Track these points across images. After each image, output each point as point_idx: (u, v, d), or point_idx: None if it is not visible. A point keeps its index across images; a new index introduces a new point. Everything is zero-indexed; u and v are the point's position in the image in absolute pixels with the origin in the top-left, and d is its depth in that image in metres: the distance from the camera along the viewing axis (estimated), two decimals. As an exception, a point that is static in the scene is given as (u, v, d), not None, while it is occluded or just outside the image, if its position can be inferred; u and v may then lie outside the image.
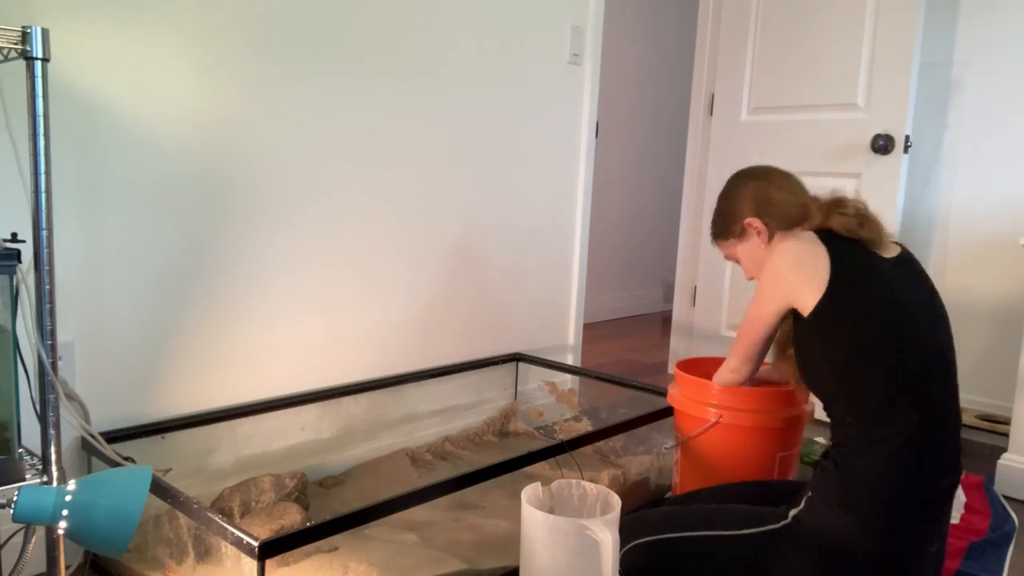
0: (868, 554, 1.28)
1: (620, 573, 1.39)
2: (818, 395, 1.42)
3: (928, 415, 1.28)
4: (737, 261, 1.63)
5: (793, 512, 1.35)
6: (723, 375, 1.66)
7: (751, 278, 1.60)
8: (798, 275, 1.36)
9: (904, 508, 1.28)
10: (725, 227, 1.60)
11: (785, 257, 1.39)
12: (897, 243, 1.46)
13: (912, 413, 1.28)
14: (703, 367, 1.85)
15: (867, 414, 1.30)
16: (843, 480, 1.31)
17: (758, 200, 1.54)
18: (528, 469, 1.67)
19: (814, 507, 1.33)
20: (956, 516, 1.98)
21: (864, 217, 1.40)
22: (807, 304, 1.35)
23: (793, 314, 1.42)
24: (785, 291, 1.39)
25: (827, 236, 1.38)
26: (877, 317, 1.31)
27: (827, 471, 1.34)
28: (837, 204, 1.43)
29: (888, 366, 1.29)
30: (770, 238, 1.53)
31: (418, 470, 2.04)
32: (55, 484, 1.18)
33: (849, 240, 1.37)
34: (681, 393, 1.78)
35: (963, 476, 2.22)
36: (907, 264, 1.42)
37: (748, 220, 1.54)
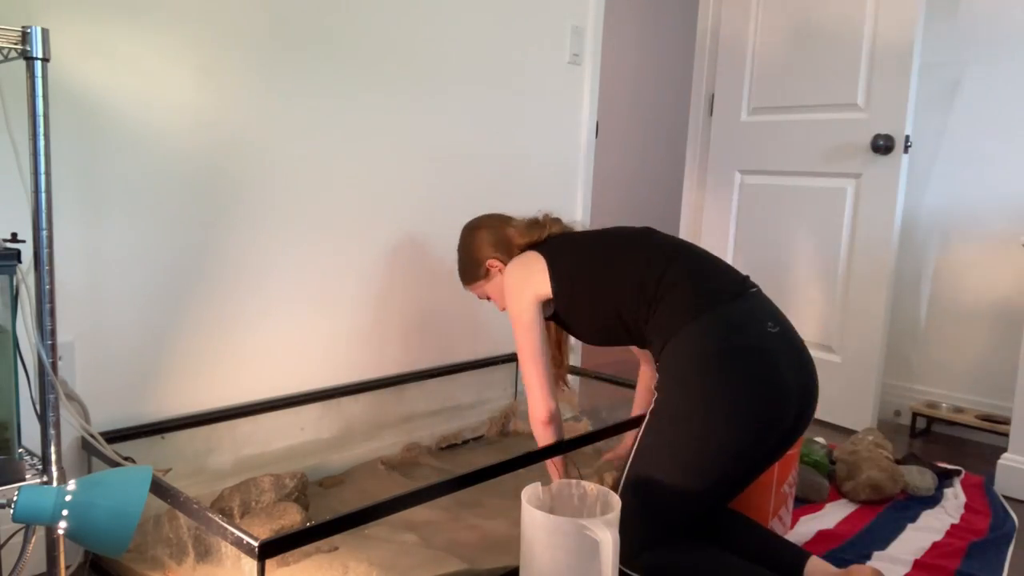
0: (715, 351, 1.42)
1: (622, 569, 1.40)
2: (604, 343, 1.64)
3: (672, 283, 1.50)
4: (488, 298, 1.83)
5: None
6: (537, 413, 1.64)
7: (503, 309, 1.76)
8: (530, 275, 1.62)
9: (707, 308, 1.46)
10: (473, 273, 1.81)
11: (512, 272, 1.66)
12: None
13: (663, 290, 1.50)
14: None
15: (655, 328, 1.50)
16: (669, 365, 1.46)
17: (493, 243, 1.77)
18: (525, 470, 1.67)
19: (663, 394, 1.47)
20: (956, 516, 1.98)
21: (532, 223, 1.75)
22: (547, 290, 1.60)
23: (547, 315, 1.65)
24: (531, 289, 1.62)
25: (536, 246, 1.69)
26: (591, 271, 1.59)
27: (660, 381, 1.50)
28: (506, 228, 1.77)
29: (639, 293, 1.52)
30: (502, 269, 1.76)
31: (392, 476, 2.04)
32: (55, 484, 1.18)
33: (547, 239, 1.70)
34: None
35: (962, 476, 2.23)
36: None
37: (489, 262, 1.76)
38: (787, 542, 1.52)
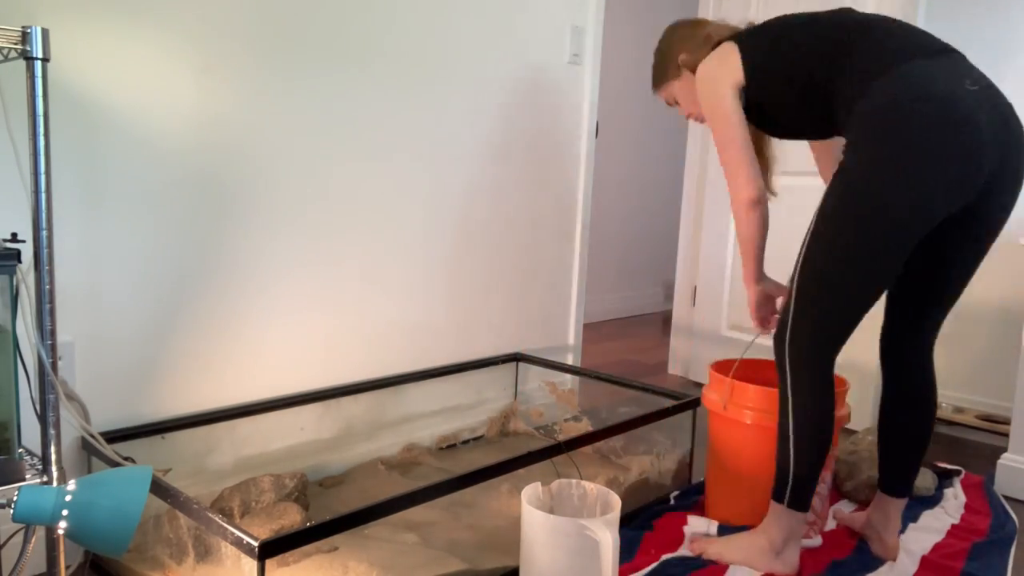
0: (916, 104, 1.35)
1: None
2: (795, 134, 1.63)
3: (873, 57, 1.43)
4: (676, 103, 1.78)
5: None
6: (742, 194, 1.57)
7: (689, 115, 1.77)
8: (723, 61, 1.58)
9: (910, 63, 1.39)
10: (663, 72, 1.76)
11: (706, 65, 1.60)
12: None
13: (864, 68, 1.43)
14: (740, 369, 1.86)
15: (838, 79, 1.46)
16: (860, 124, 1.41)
17: (689, 38, 1.71)
18: (525, 470, 1.67)
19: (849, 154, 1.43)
20: (956, 516, 1.98)
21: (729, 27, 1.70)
22: (741, 77, 1.56)
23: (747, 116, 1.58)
24: (727, 76, 1.57)
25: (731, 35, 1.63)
26: (798, 40, 1.54)
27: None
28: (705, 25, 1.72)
29: (820, 48, 1.49)
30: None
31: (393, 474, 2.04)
32: (55, 484, 1.18)
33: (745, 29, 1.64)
34: (716, 394, 1.79)
35: (962, 476, 2.23)
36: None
37: (681, 57, 1.70)
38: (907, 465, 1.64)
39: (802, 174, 2.86)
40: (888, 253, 1.39)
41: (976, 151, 1.35)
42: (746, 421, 1.73)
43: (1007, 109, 1.41)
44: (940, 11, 2.71)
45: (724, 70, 1.57)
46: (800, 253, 1.48)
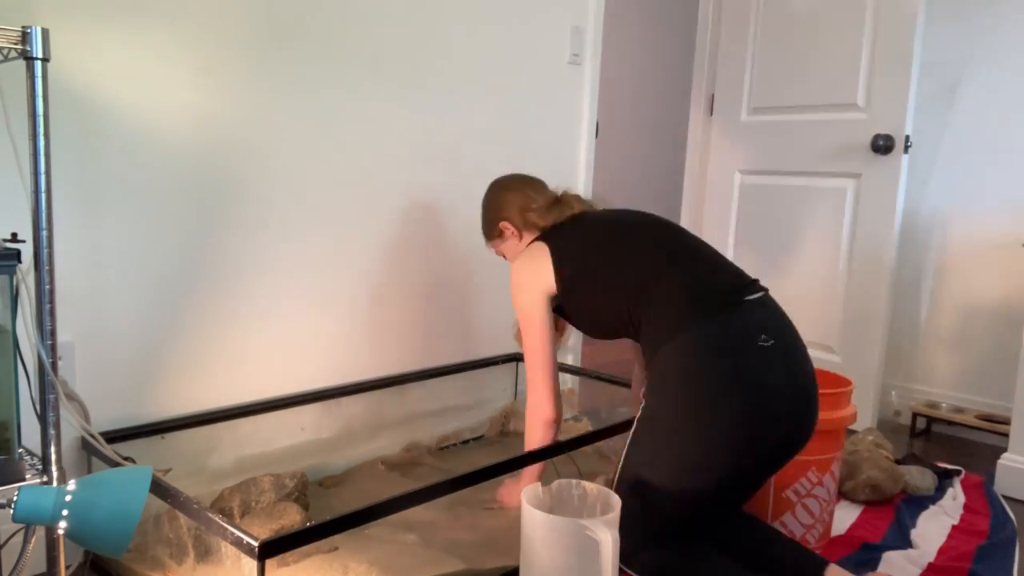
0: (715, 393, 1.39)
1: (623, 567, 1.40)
2: (604, 337, 1.63)
3: (669, 280, 1.48)
4: (504, 256, 1.84)
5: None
6: (540, 412, 1.63)
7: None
8: (536, 271, 1.62)
9: (696, 320, 1.43)
10: (489, 230, 1.84)
11: (519, 271, 1.65)
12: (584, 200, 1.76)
13: (662, 282, 1.48)
14: None
15: (649, 329, 1.49)
16: (656, 374, 1.45)
17: (511, 210, 1.77)
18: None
19: (651, 404, 1.46)
20: (955, 516, 1.98)
21: (554, 202, 1.72)
22: (552, 285, 1.60)
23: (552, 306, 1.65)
24: (540, 282, 1.61)
25: (545, 233, 1.69)
26: (593, 261, 1.58)
27: (647, 399, 1.48)
28: (529, 205, 1.74)
29: (626, 285, 1.52)
30: (520, 237, 1.77)
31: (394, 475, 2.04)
32: (55, 484, 1.18)
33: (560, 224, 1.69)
34: None
35: (962, 476, 2.23)
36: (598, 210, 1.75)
37: (502, 224, 1.78)
38: (805, 550, 1.49)
39: (777, 174, 2.87)
40: (699, 498, 1.43)
41: (767, 408, 1.39)
42: None
43: (799, 358, 1.45)
44: (939, 15, 2.71)
45: (536, 280, 1.62)
46: (618, 472, 1.49)
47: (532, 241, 1.70)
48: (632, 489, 1.44)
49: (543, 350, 1.63)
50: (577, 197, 1.75)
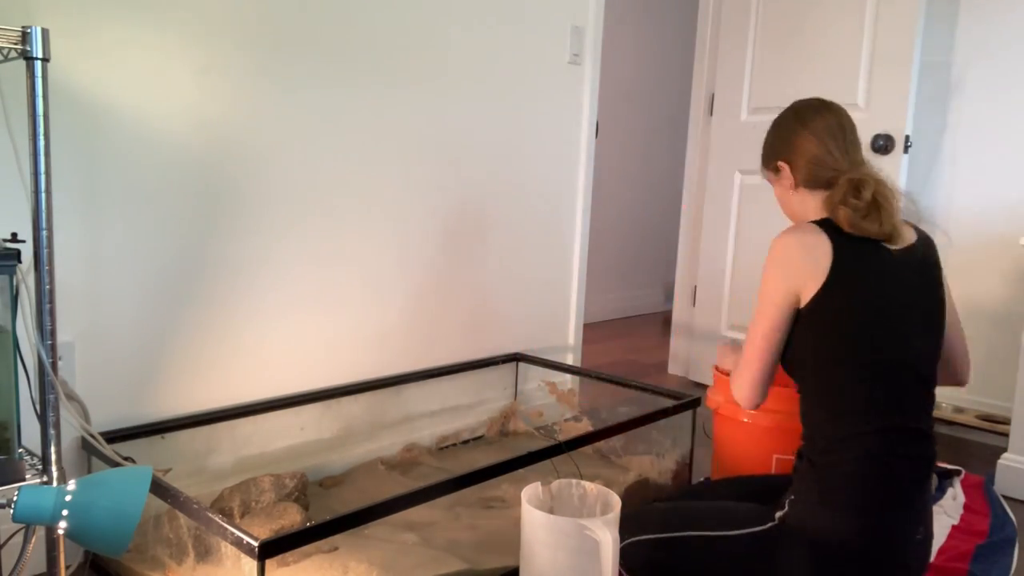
0: (852, 550, 1.29)
1: (621, 569, 1.39)
2: (795, 382, 1.43)
3: (898, 416, 1.30)
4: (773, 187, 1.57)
5: (778, 514, 1.35)
6: (740, 392, 1.46)
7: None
8: (804, 258, 1.34)
9: (879, 503, 1.29)
10: (763, 157, 1.56)
11: (787, 243, 1.36)
12: (912, 226, 1.45)
13: (882, 417, 1.30)
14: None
15: (838, 412, 1.32)
16: (818, 478, 1.32)
17: (805, 160, 1.45)
18: (525, 470, 1.67)
19: (796, 507, 1.34)
20: (956, 516, 1.98)
21: (872, 208, 1.37)
22: (808, 291, 1.33)
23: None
24: (793, 277, 1.34)
25: (829, 225, 1.36)
26: (861, 321, 1.32)
27: (803, 472, 1.36)
28: (855, 189, 1.38)
29: (864, 370, 1.31)
30: (796, 187, 1.47)
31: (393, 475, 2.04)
32: (55, 484, 1.18)
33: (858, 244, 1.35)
34: (722, 396, 1.80)
35: (962, 476, 2.23)
36: (914, 254, 1.40)
37: (778, 162, 1.49)
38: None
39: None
40: None
41: None
42: (747, 421, 1.73)
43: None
44: (939, 15, 2.71)
45: (802, 270, 1.34)
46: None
47: (815, 223, 1.38)
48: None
49: (762, 332, 1.38)
50: (907, 224, 1.44)
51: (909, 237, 1.41)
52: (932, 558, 1.73)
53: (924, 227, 1.47)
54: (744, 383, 1.42)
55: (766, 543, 1.34)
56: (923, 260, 1.41)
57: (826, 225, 1.37)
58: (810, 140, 1.45)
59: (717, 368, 1.85)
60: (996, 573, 1.70)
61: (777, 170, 1.50)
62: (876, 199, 1.37)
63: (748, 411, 1.73)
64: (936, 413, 2.68)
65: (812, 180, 1.45)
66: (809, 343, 1.36)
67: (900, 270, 1.36)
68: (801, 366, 1.39)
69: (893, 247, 1.37)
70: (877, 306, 1.32)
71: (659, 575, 1.38)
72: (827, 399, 1.34)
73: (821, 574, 1.30)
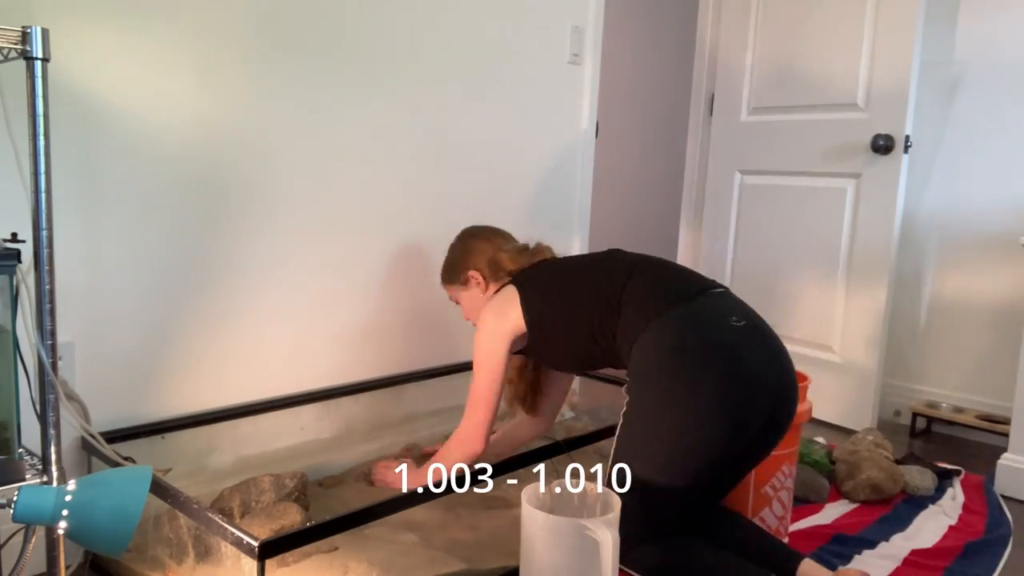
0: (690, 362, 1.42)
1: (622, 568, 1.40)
2: (580, 367, 1.72)
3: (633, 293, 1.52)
4: (457, 303, 1.85)
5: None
6: (470, 445, 1.66)
7: (467, 319, 1.82)
8: (504, 312, 1.63)
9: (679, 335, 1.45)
10: (453, 274, 1.83)
11: (488, 319, 1.65)
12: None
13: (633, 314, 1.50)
14: None
15: (614, 332, 1.52)
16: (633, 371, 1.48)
17: (482, 257, 1.77)
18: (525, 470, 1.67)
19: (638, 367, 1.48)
20: (954, 517, 1.98)
21: (523, 250, 1.76)
22: (520, 323, 1.61)
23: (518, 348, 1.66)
24: (508, 328, 1.62)
25: (515, 277, 1.69)
26: (561, 298, 1.61)
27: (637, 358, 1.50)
28: (499, 250, 1.75)
29: (591, 302, 1.55)
30: (485, 288, 1.76)
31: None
32: (55, 484, 1.18)
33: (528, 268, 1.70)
34: None
35: (962, 476, 2.23)
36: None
37: (471, 272, 1.77)
38: (779, 542, 1.52)
39: (777, 173, 2.87)
40: (692, 485, 1.44)
41: (747, 381, 1.40)
42: None
43: (773, 339, 1.49)
44: (939, 15, 2.71)
45: (503, 320, 1.63)
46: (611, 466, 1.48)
47: (500, 287, 1.72)
48: (620, 486, 1.44)
49: (491, 390, 1.64)
50: (548, 248, 1.78)
51: (549, 252, 1.80)
52: (916, 554, 1.75)
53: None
54: (482, 431, 1.68)
55: None
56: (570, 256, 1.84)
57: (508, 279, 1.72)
58: (487, 250, 1.77)
59: None
60: (979, 570, 1.70)
61: (467, 282, 1.79)
62: (521, 247, 1.80)
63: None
64: (936, 413, 2.69)
65: (494, 279, 1.76)
66: (557, 341, 1.63)
67: (565, 262, 1.77)
68: (568, 362, 1.72)
69: (548, 256, 1.80)
70: (567, 280, 1.68)
71: None
72: (608, 347, 1.55)
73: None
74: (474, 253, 1.79)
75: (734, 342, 1.43)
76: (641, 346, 1.45)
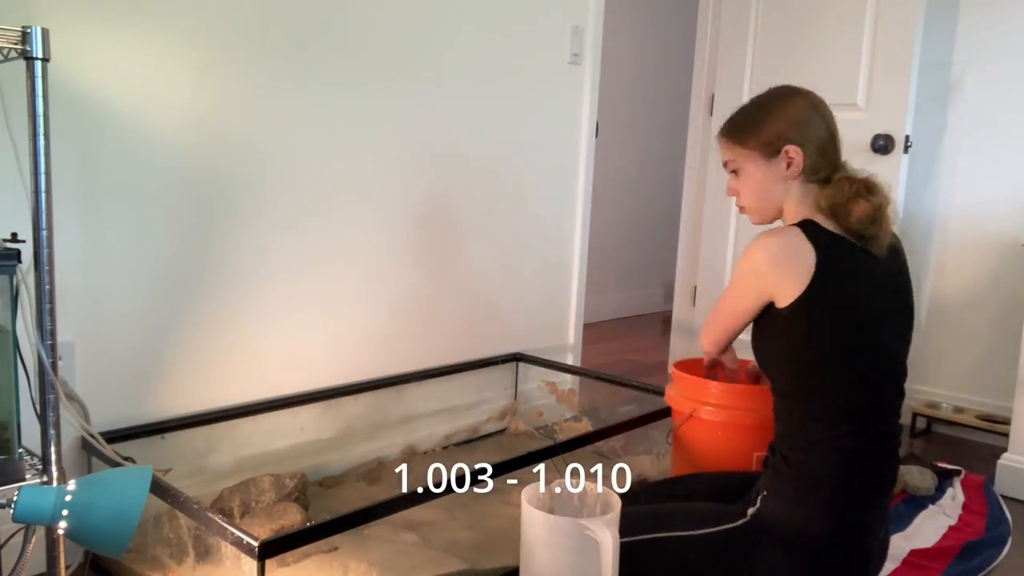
0: (821, 546, 1.32)
1: None
2: (771, 381, 1.44)
3: (875, 420, 1.34)
4: (735, 173, 1.44)
5: (751, 510, 1.37)
6: (705, 340, 1.58)
7: (742, 208, 1.48)
8: (780, 271, 1.31)
9: (852, 503, 1.33)
10: (753, 133, 1.39)
11: (768, 253, 1.32)
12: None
13: (860, 419, 1.33)
14: (701, 368, 1.84)
15: (817, 414, 1.34)
16: (793, 476, 1.35)
17: (811, 143, 1.37)
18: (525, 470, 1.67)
19: (769, 504, 1.36)
20: (954, 517, 1.98)
21: (879, 214, 1.33)
22: (785, 298, 1.31)
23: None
24: (764, 286, 1.34)
25: (815, 231, 1.32)
26: (843, 328, 1.32)
27: (778, 468, 1.38)
28: (867, 191, 1.34)
29: (846, 375, 1.33)
30: (795, 177, 1.38)
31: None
32: (55, 484, 1.18)
33: (840, 236, 1.33)
34: (678, 392, 1.78)
35: (962, 476, 2.23)
36: (893, 259, 1.39)
37: (788, 147, 1.36)
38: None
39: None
40: None
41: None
42: (707, 418, 1.71)
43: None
44: (939, 15, 2.71)
45: (782, 277, 1.30)
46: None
47: (799, 222, 1.34)
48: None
49: (734, 309, 1.41)
50: (883, 197, 1.34)
51: (889, 241, 1.38)
52: (915, 554, 1.75)
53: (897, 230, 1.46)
54: (709, 340, 1.56)
55: (738, 539, 1.35)
56: (900, 265, 1.41)
57: (807, 228, 1.33)
58: (824, 130, 1.39)
59: (676, 367, 1.83)
60: (979, 570, 1.70)
61: (777, 153, 1.37)
62: (881, 205, 1.34)
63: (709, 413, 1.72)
64: (936, 413, 2.69)
65: (811, 172, 1.38)
66: (789, 346, 1.36)
67: (881, 276, 1.37)
68: (778, 367, 1.40)
69: (877, 252, 1.35)
70: (859, 314, 1.33)
71: None
72: (805, 401, 1.36)
73: (793, 569, 1.32)
74: (805, 124, 1.36)
75: (868, 563, 1.37)
76: (805, 467, 1.34)
